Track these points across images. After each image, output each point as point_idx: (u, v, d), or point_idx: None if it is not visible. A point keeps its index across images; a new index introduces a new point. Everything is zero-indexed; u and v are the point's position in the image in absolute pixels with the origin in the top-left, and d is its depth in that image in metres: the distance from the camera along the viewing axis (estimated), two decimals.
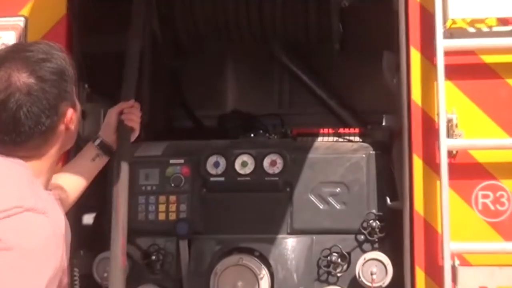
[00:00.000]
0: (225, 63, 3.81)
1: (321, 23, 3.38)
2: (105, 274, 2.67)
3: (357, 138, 3.11)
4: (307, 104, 3.72)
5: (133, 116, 2.21)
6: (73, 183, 2.02)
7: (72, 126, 1.49)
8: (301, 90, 3.71)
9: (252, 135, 3.23)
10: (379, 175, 2.76)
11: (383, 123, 2.74)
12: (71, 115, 1.45)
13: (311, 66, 3.70)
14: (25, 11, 2.68)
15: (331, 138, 3.09)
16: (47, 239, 1.29)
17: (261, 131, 3.31)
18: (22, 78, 1.32)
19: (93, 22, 3.01)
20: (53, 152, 1.47)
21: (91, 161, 2.10)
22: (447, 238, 2.31)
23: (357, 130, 3.03)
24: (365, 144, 2.93)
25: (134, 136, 2.23)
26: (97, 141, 2.08)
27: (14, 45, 1.79)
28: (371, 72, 3.16)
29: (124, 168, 2.26)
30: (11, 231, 1.23)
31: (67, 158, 2.37)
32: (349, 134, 3.05)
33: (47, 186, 1.46)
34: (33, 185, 1.35)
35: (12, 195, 1.29)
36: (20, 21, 2.60)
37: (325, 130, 3.10)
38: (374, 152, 2.80)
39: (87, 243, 2.84)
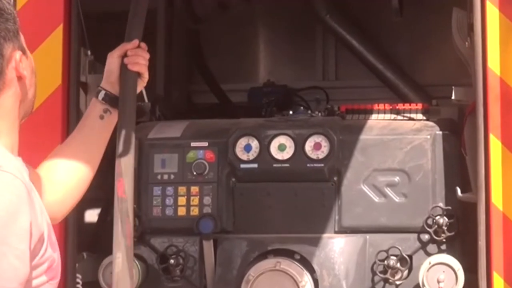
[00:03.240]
0: (256, 25, 3.86)
1: None
2: None
3: (419, 116, 3.06)
4: (357, 75, 3.78)
5: (139, 59, 2.22)
6: (83, 154, 2.07)
7: (26, 73, 1.55)
8: (350, 59, 3.75)
9: (290, 112, 3.25)
10: (447, 161, 2.78)
11: (452, 97, 2.76)
12: (20, 58, 1.52)
13: (362, 28, 3.73)
14: None
15: (387, 116, 3.09)
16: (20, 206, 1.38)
17: (301, 108, 3.34)
18: None
19: None
20: (7, 105, 1.53)
21: (99, 120, 2.12)
22: None
23: (419, 106, 3.02)
24: (430, 123, 2.95)
25: (142, 83, 2.25)
26: (101, 94, 2.12)
27: None
28: (437, 36, 3.17)
29: (129, 128, 2.24)
30: None
31: None
32: (410, 111, 3.04)
33: (13, 153, 1.51)
34: None
35: None
36: None
37: (381, 106, 3.10)
38: (441, 132, 2.83)
39: (91, 244, 2.92)
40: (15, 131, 1.60)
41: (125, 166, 2.20)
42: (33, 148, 2.47)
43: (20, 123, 1.63)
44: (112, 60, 2.21)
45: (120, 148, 2.20)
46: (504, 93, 2.50)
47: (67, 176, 2.01)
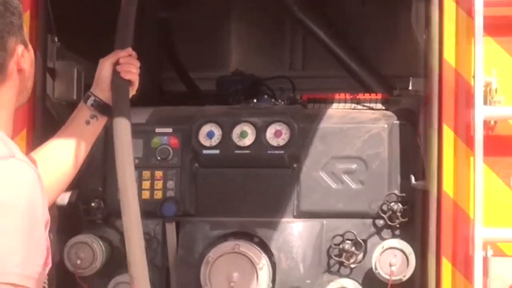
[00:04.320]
0: (226, 15, 3.94)
1: None
2: (79, 261, 2.82)
3: (379, 106, 3.16)
4: (324, 66, 3.86)
5: (131, 67, 2.26)
6: (67, 154, 2.13)
7: (26, 66, 1.60)
8: (317, 50, 3.84)
9: (254, 100, 3.35)
10: (404, 150, 2.87)
11: (410, 88, 2.86)
12: (22, 52, 1.57)
13: (330, 21, 3.82)
14: None
15: (348, 105, 3.19)
16: (31, 188, 1.44)
17: (265, 97, 3.42)
18: None
19: None
20: (7, 97, 1.57)
21: (85, 125, 2.16)
22: (479, 224, 2.45)
23: (379, 96, 3.12)
24: (389, 113, 3.05)
25: (132, 91, 2.27)
26: (90, 100, 2.14)
27: None
28: (399, 28, 3.25)
29: (126, 131, 2.30)
30: None
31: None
32: (370, 101, 3.15)
33: None
34: None
35: None
36: None
37: (341, 96, 3.19)
38: (398, 122, 2.92)
39: (59, 225, 2.98)
40: (11, 121, 1.66)
41: (128, 176, 2.29)
42: None
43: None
44: (104, 67, 2.23)
45: (119, 160, 2.27)
46: (459, 84, 2.60)
47: (50, 175, 2.05)
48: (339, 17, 3.83)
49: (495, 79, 2.56)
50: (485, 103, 2.53)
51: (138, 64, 2.33)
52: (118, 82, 2.22)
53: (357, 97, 3.09)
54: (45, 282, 1.85)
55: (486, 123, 2.56)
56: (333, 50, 3.70)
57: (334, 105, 3.06)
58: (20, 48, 1.58)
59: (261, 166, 2.90)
